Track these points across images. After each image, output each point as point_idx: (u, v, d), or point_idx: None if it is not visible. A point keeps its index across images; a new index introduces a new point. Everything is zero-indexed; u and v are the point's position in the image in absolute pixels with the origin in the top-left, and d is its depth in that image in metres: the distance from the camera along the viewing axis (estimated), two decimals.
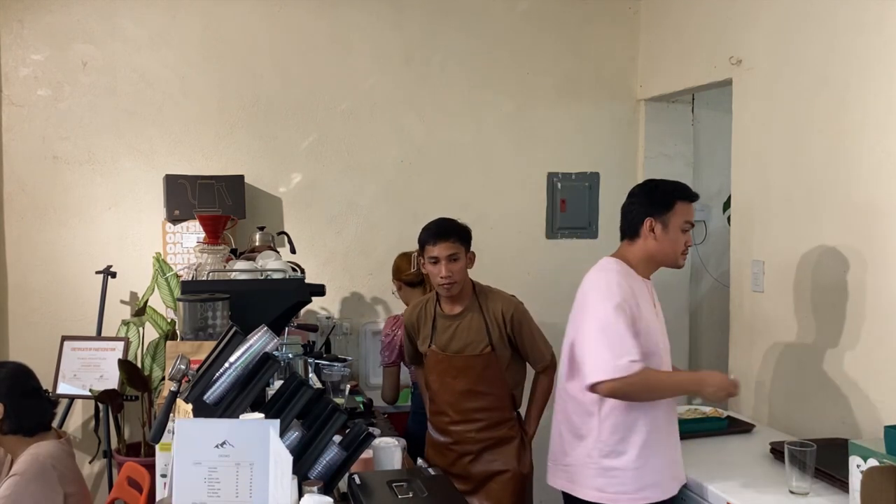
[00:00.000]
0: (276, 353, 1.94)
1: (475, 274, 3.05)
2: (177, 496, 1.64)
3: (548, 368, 2.92)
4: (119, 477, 2.83)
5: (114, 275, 3.68)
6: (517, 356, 2.91)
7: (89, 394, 3.39)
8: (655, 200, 2.38)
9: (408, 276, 3.43)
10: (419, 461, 2.94)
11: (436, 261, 2.78)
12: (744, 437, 2.85)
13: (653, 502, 2.30)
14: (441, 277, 2.77)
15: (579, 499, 2.37)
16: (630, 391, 2.22)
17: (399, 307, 3.92)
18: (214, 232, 3.17)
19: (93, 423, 3.60)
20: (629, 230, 2.42)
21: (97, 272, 3.66)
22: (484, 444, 2.82)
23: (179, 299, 2.64)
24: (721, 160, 4.03)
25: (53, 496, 2.39)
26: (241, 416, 1.81)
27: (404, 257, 3.48)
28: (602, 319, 2.25)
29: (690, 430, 2.74)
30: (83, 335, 3.59)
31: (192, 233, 3.76)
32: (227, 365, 1.87)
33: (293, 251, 3.71)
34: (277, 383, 2.41)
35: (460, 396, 2.81)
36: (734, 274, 3.45)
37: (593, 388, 2.24)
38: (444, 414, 2.86)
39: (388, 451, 2.19)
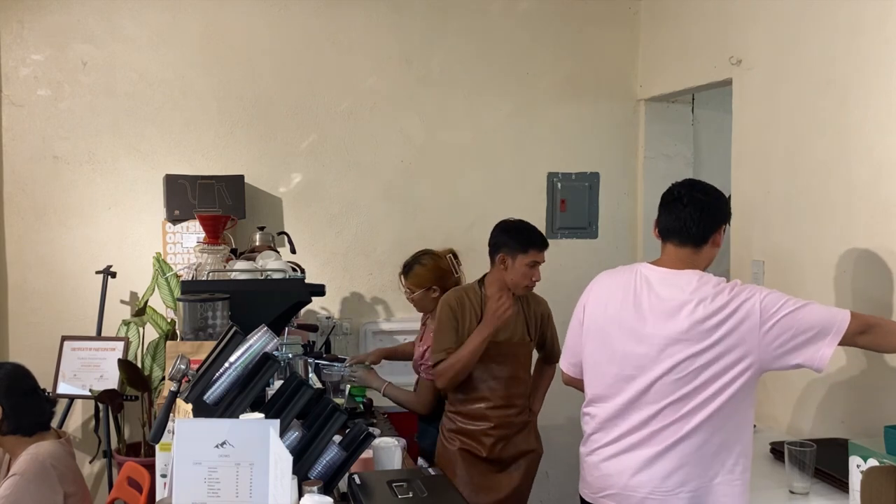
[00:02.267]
0: (276, 353, 1.94)
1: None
2: (177, 496, 1.63)
3: (555, 360, 3.08)
4: (119, 477, 2.83)
5: (114, 275, 3.68)
6: None
7: (89, 394, 3.39)
8: (726, 207, 2.26)
9: (452, 281, 3.22)
10: (419, 461, 2.95)
11: (534, 265, 2.89)
12: None
13: None
14: (534, 280, 2.90)
15: None
16: None
17: (401, 308, 3.93)
18: (214, 232, 3.17)
19: (93, 423, 3.60)
20: (699, 238, 2.18)
21: (97, 272, 3.66)
22: (518, 427, 2.97)
23: (179, 299, 2.64)
24: (721, 160, 4.03)
25: (53, 496, 2.39)
26: (241, 416, 1.81)
27: (441, 259, 3.27)
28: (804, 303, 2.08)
29: None
30: (83, 335, 3.59)
31: (192, 233, 3.76)
32: (227, 365, 1.87)
33: (293, 251, 3.71)
34: (277, 383, 2.41)
35: (506, 382, 2.92)
36: (734, 274, 3.44)
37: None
38: (485, 399, 2.92)
39: (388, 451, 2.19)
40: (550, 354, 3.10)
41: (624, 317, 2.18)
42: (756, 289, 2.07)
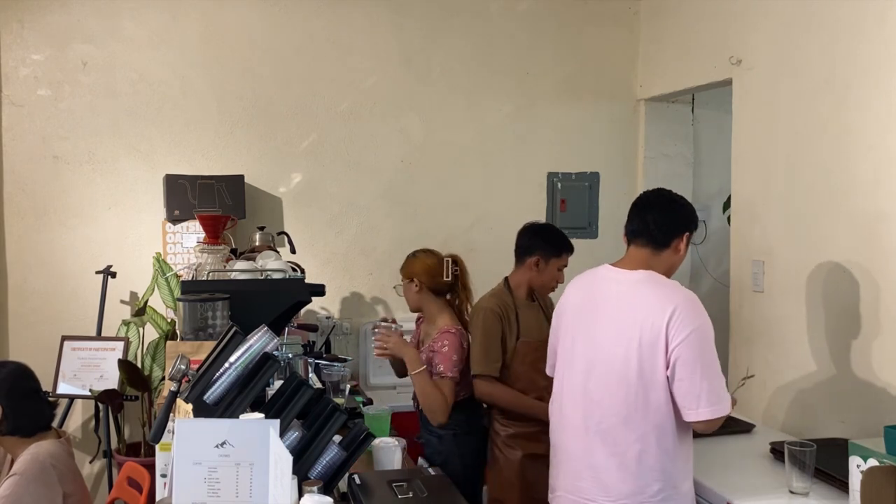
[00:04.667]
0: (276, 353, 1.94)
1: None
2: (177, 496, 1.64)
3: None
4: (119, 477, 2.83)
5: (114, 275, 3.68)
6: None
7: (89, 394, 3.39)
8: (693, 216, 2.32)
9: (442, 283, 2.98)
10: (420, 461, 2.95)
11: (562, 268, 2.97)
12: (744, 437, 2.84)
13: None
14: (559, 283, 2.96)
15: None
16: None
17: (401, 308, 3.92)
18: (214, 232, 3.17)
19: (93, 423, 3.60)
20: (660, 240, 2.24)
21: (97, 272, 3.66)
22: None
23: (179, 299, 2.64)
24: (721, 160, 4.03)
25: (53, 496, 2.38)
26: (241, 416, 1.81)
27: (434, 257, 3.02)
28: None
29: None
30: (83, 335, 3.58)
31: (192, 233, 3.76)
32: (227, 365, 1.87)
33: (293, 251, 3.71)
34: (277, 383, 2.41)
35: (548, 381, 2.81)
36: (734, 274, 3.45)
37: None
38: (542, 399, 2.90)
39: (388, 451, 2.19)
40: None
41: None
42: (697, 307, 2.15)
